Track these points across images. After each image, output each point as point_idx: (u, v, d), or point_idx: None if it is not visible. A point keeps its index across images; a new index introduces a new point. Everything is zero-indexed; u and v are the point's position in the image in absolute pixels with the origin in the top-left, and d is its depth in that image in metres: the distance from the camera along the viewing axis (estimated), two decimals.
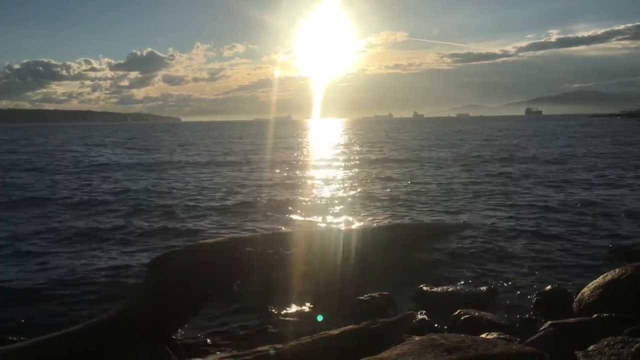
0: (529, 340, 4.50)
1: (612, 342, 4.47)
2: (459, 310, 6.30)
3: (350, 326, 4.64)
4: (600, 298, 6.03)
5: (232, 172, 25.44)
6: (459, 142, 48.22)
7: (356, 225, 12.12)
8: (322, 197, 16.76)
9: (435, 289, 7.28)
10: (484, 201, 15.18)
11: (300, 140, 63.73)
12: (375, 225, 11.85)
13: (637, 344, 4.17)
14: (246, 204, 15.48)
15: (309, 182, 21.38)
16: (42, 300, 7.44)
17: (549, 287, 7.19)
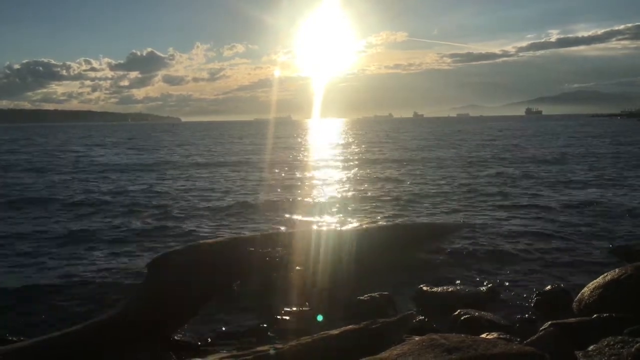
0: (529, 340, 4.51)
1: (612, 342, 4.47)
2: (459, 310, 6.29)
3: (350, 326, 4.63)
4: (600, 298, 6.02)
5: (232, 172, 25.46)
6: (459, 142, 48.25)
7: (356, 225, 12.12)
8: (322, 198, 16.78)
9: (435, 289, 7.28)
10: (483, 201, 15.18)
11: (300, 140, 63.75)
12: (375, 225, 11.84)
13: (637, 344, 4.17)
14: (246, 204, 15.49)
15: (309, 182, 21.39)
16: (42, 300, 7.45)
17: (549, 287, 7.19)
